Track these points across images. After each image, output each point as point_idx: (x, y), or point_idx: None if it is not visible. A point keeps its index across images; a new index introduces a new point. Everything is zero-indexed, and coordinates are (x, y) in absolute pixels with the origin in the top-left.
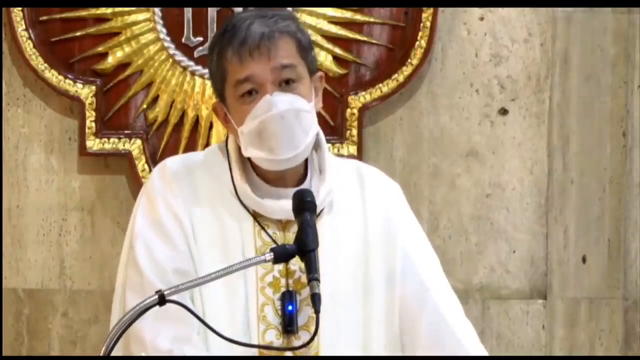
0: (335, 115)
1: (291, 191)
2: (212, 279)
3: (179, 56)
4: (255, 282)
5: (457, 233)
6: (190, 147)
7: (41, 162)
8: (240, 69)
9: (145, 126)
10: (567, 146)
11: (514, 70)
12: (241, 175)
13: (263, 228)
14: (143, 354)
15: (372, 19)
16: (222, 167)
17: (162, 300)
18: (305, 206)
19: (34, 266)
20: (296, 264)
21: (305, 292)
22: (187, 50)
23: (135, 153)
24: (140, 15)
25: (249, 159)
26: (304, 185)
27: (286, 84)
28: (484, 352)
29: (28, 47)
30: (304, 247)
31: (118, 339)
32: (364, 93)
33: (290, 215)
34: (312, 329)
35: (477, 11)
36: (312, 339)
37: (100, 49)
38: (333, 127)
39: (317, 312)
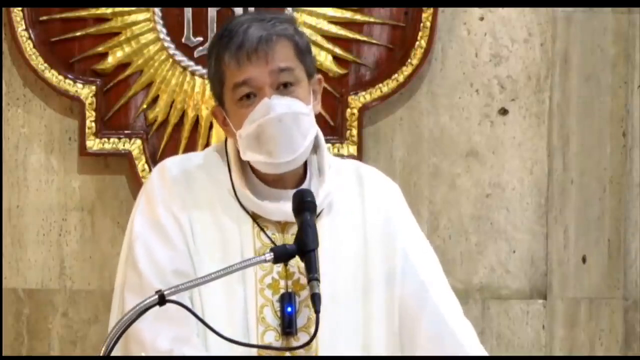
0: (335, 115)
1: (290, 193)
2: (212, 279)
3: (179, 56)
4: (254, 284)
5: (457, 233)
6: (190, 147)
7: (41, 162)
8: (238, 72)
9: (145, 126)
10: (567, 146)
11: (514, 70)
12: (240, 177)
13: (262, 229)
14: (143, 354)
15: (372, 19)
16: (221, 169)
17: (162, 300)
18: (305, 206)
19: (34, 266)
20: (295, 265)
21: (305, 293)
22: (187, 50)
23: (135, 153)
24: (140, 15)
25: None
26: (303, 187)
27: (284, 87)
28: (483, 352)
29: (28, 47)
30: (304, 247)
31: (118, 339)
32: (364, 93)
33: (290, 217)
34: (311, 330)
35: (477, 11)
36: (312, 339)
37: (100, 49)
38: (333, 127)
39: (317, 312)
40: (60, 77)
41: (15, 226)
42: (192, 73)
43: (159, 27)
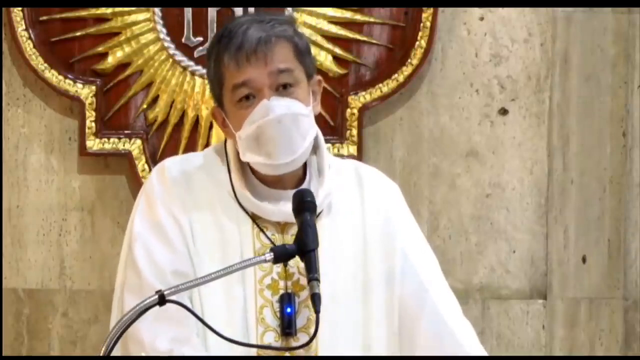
0: (335, 115)
1: (290, 193)
2: (212, 279)
3: (179, 56)
4: (253, 285)
5: (457, 233)
6: (190, 147)
7: (41, 162)
8: (237, 74)
9: (145, 126)
10: (567, 146)
11: (514, 70)
12: (240, 178)
13: (262, 230)
14: (143, 354)
15: (372, 19)
16: (220, 169)
17: (162, 300)
18: (305, 206)
19: (34, 266)
20: (294, 266)
21: (304, 294)
22: (187, 50)
23: (135, 153)
24: (140, 15)
25: None
26: (303, 187)
27: (283, 89)
28: (482, 352)
29: (28, 47)
30: (304, 247)
31: (118, 339)
32: (364, 93)
33: (289, 218)
34: (311, 331)
35: (477, 11)
36: (312, 338)
37: (100, 49)
38: (333, 127)
39: (317, 312)
40: (60, 77)
41: (15, 226)
42: (192, 73)
43: (159, 27)
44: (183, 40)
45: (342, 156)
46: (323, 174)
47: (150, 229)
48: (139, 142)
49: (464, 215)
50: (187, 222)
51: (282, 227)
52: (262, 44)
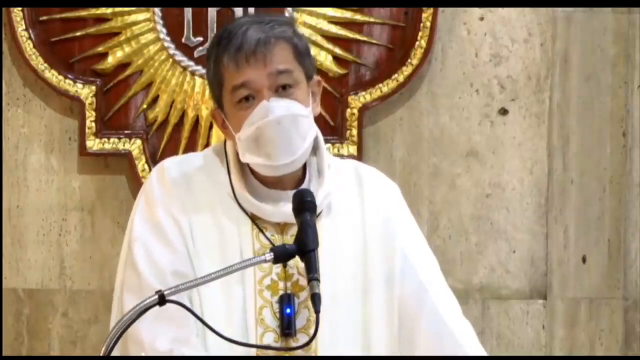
0: (335, 115)
1: (289, 194)
2: (212, 279)
3: (179, 56)
4: (253, 285)
5: (457, 233)
6: (190, 147)
7: (41, 162)
8: (236, 75)
9: (145, 126)
10: (567, 146)
11: (514, 70)
12: (239, 179)
13: (261, 231)
14: (143, 354)
15: (372, 19)
16: (220, 170)
17: (162, 300)
18: (305, 206)
19: (34, 266)
20: (294, 266)
21: (304, 295)
22: (187, 50)
23: (135, 153)
24: (140, 15)
25: None
26: (303, 187)
27: (283, 90)
28: (482, 352)
29: (28, 47)
30: (304, 247)
31: (118, 339)
32: (364, 93)
33: (289, 218)
34: (310, 331)
35: (477, 11)
36: (312, 338)
37: (100, 49)
38: (333, 127)
39: (317, 312)
40: (60, 77)
41: (15, 226)
42: (192, 73)
43: (159, 27)
44: (183, 40)
45: (342, 156)
46: (323, 174)
47: (150, 229)
48: (139, 142)
49: (464, 215)
50: (186, 223)
51: (281, 227)
52: (262, 45)
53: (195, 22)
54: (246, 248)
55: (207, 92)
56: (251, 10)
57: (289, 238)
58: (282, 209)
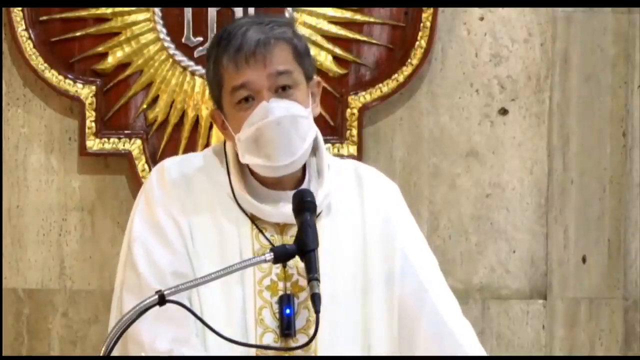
0: (335, 115)
1: (289, 194)
2: (212, 279)
3: (179, 56)
4: (252, 286)
5: (457, 233)
6: (190, 147)
7: (41, 162)
8: (236, 75)
9: (145, 126)
10: (567, 146)
11: (514, 70)
12: (239, 179)
13: (261, 231)
14: (142, 354)
15: (372, 19)
16: (220, 170)
17: (162, 300)
18: (305, 206)
19: (34, 266)
20: (294, 267)
21: (303, 295)
22: (187, 50)
23: (135, 153)
24: (140, 15)
25: None
26: (303, 187)
27: (282, 90)
28: (482, 352)
29: (28, 47)
30: (304, 247)
31: (118, 339)
32: (364, 93)
33: (288, 219)
34: (310, 332)
35: (477, 11)
36: (312, 338)
37: (100, 49)
38: (333, 127)
39: (317, 312)
40: (60, 77)
41: (15, 226)
42: (192, 73)
43: (159, 27)
44: (183, 40)
45: (342, 156)
46: (322, 175)
47: (150, 229)
48: (139, 142)
49: (464, 215)
50: (186, 224)
51: (281, 228)
52: (261, 46)
53: (195, 22)
54: (246, 249)
55: (207, 92)
56: (251, 10)
57: (289, 239)
58: (282, 210)
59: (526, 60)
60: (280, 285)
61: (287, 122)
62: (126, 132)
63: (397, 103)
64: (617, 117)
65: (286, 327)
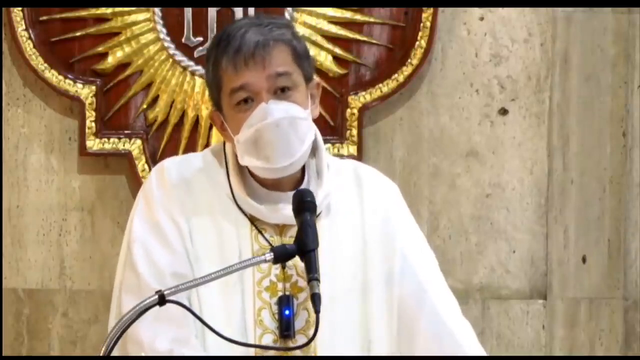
0: (335, 115)
1: (288, 195)
2: (212, 279)
3: (179, 56)
4: (252, 287)
5: (457, 233)
6: (190, 147)
7: (41, 162)
8: (235, 77)
9: (145, 126)
10: (567, 146)
11: (514, 70)
12: (238, 181)
13: (260, 232)
14: (142, 354)
15: (372, 19)
16: (219, 171)
17: (162, 300)
18: (305, 206)
19: (34, 266)
20: (293, 267)
21: (302, 296)
22: (187, 50)
23: (135, 153)
24: (140, 15)
25: None
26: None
27: (282, 92)
28: (482, 352)
29: (28, 47)
30: (304, 247)
31: (118, 339)
32: (364, 93)
33: (288, 220)
34: (309, 333)
35: (477, 11)
36: (311, 339)
37: (100, 49)
38: (333, 127)
39: (317, 311)
40: (60, 77)
41: (15, 226)
42: (192, 73)
43: (159, 27)
44: (183, 40)
45: (341, 156)
46: (322, 175)
47: (150, 230)
48: (139, 142)
49: (464, 215)
50: (185, 224)
51: (280, 229)
52: (260, 48)
53: (195, 22)
54: (245, 249)
55: (207, 92)
56: (251, 10)
57: (288, 239)
58: (281, 211)
59: (526, 60)
60: (280, 286)
61: (286, 124)
62: (126, 132)
63: (397, 103)
64: (617, 117)
65: (285, 328)
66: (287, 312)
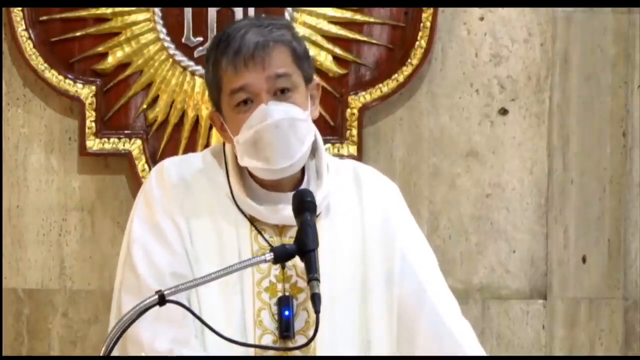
0: (335, 115)
1: (288, 196)
2: (212, 279)
3: (179, 56)
4: (251, 287)
5: (457, 233)
6: (190, 147)
7: (41, 162)
8: (235, 78)
9: (145, 126)
10: (567, 146)
11: (514, 70)
12: (238, 181)
13: (260, 233)
14: (142, 354)
15: (372, 19)
16: (219, 172)
17: (162, 300)
18: (305, 206)
19: (34, 266)
20: (292, 268)
21: (302, 296)
22: (187, 50)
23: (135, 153)
24: (140, 15)
25: None
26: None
27: (281, 93)
28: (481, 352)
29: (28, 47)
30: (304, 247)
31: (118, 339)
32: (364, 93)
33: (287, 221)
34: (309, 333)
35: (477, 11)
36: (311, 339)
37: (100, 49)
38: (333, 127)
39: (317, 312)
40: (60, 77)
41: (15, 226)
42: (192, 73)
43: (159, 27)
44: (183, 40)
45: (341, 156)
46: (321, 176)
47: (149, 230)
48: (139, 142)
49: (464, 215)
50: (185, 225)
51: (280, 229)
52: (260, 49)
53: (195, 22)
54: (244, 250)
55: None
56: (251, 10)
57: (288, 240)
58: (281, 212)
59: (526, 60)
60: (279, 286)
61: (286, 125)
62: (126, 132)
63: (397, 103)
64: (617, 117)
65: (285, 329)
66: (286, 312)
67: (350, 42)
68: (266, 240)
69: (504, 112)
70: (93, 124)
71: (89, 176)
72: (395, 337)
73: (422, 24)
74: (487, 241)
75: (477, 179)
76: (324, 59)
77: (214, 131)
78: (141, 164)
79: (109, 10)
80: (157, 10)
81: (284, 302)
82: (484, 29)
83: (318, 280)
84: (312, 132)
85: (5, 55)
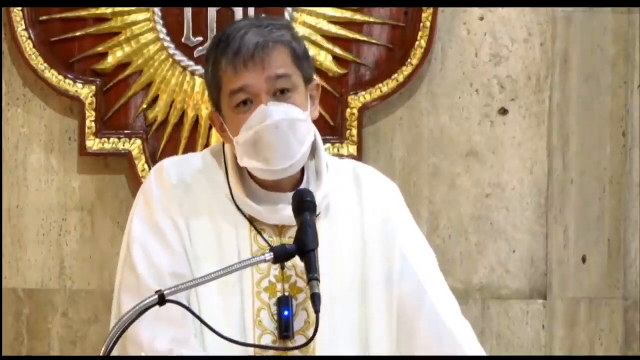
0: (335, 115)
1: (288, 196)
2: (212, 279)
3: (179, 56)
4: (251, 287)
5: (457, 233)
6: (190, 147)
7: (41, 162)
8: (234, 79)
9: (145, 126)
10: (567, 146)
11: (514, 70)
12: (238, 182)
13: (259, 233)
14: (142, 354)
15: (372, 19)
16: (218, 172)
17: (162, 300)
18: (305, 206)
19: (34, 266)
20: (292, 268)
21: (302, 297)
22: (187, 50)
23: (135, 153)
24: (140, 15)
25: None
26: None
27: (281, 94)
28: (481, 352)
29: (28, 47)
30: (304, 247)
31: (118, 339)
32: (364, 93)
33: (287, 221)
34: (308, 333)
35: (477, 11)
36: (311, 339)
37: (100, 49)
38: (333, 127)
39: (317, 311)
40: (60, 77)
41: (15, 226)
42: (192, 73)
43: (159, 27)
44: (183, 40)
45: (341, 156)
46: (321, 176)
47: (149, 230)
48: (139, 142)
49: (464, 215)
50: (185, 225)
51: (279, 230)
52: (260, 50)
53: (195, 22)
54: (244, 250)
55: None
56: (251, 10)
57: (287, 240)
58: (281, 212)
59: (526, 60)
60: (279, 287)
61: (286, 126)
62: (126, 132)
63: (397, 103)
64: (617, 117)
65: (284, 329)
66: (286, 312)
67: (350, 42)
68: (266, 240)
69: (504, 112)
70: (93, 124)
71: (89, 176)
72: (395, 337)
73: (422, 24)
74: (487, 241)
75: (477, 179)
76: (324, 59)
77: (214, 131)
78: (141, 164)
79: (109, 10)
80: (157, 10)
81: (284, 302)
82: (484, 29)
83: (318, 280)
84: (312, 133)
85: (5, 55)
